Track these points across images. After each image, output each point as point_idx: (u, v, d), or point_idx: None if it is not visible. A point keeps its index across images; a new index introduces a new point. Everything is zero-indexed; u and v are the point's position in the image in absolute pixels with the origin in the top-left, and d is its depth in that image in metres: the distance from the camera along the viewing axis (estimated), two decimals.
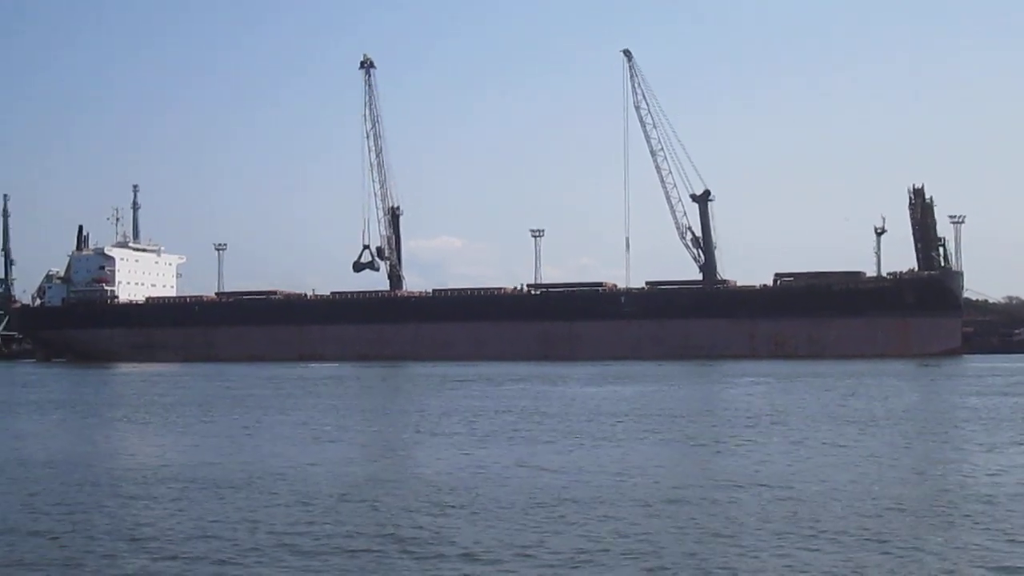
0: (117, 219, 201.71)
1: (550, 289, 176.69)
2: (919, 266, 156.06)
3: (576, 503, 28.12)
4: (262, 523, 26.11)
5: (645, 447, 41.34)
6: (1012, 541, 23.11)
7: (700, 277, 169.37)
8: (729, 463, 36.29)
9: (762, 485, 30.71)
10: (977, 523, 25.14)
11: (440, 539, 23.94)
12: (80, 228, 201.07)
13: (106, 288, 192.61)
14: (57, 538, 24.73)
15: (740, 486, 30.69)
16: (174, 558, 22.55)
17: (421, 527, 25.28)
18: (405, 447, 43.67)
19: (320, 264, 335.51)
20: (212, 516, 27.27)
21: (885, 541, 23.07)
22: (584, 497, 28.99)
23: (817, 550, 22.34)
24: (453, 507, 27.96)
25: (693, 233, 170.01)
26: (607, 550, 22.62)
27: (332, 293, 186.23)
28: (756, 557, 21.86)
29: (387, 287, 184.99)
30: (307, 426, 52.19)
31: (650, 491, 30.01)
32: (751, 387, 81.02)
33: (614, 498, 28.88)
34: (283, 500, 29.46)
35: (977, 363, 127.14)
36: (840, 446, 40.52)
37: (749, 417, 53.30)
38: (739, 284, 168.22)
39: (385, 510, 27.75)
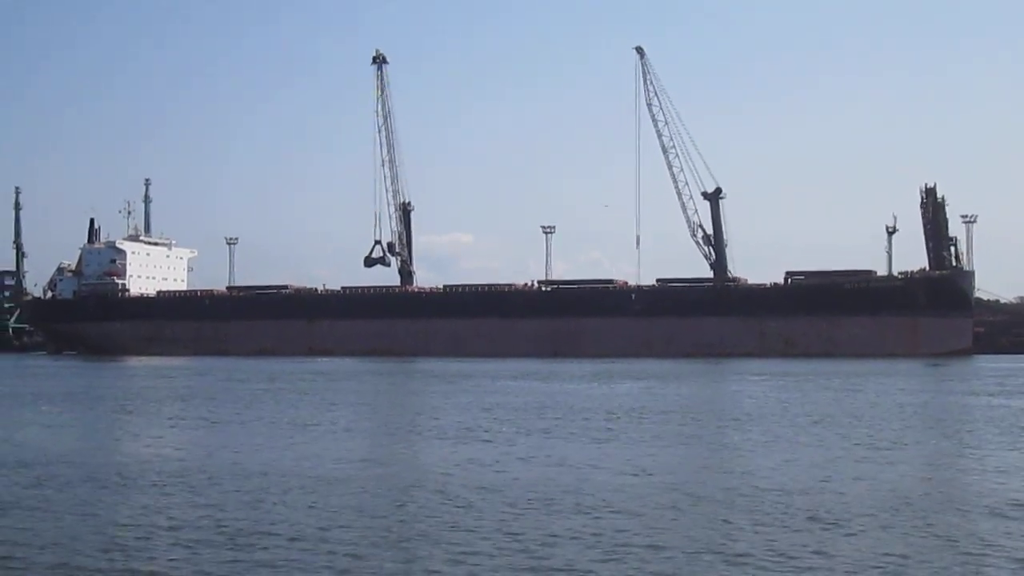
0: (129, 212, 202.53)
1: (561, 286, 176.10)
2: (930, 265, 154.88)
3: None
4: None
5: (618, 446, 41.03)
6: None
7: (711, 275, 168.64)
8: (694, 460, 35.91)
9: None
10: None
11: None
12: (92, 221, 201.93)
13: (117, 281, 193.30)
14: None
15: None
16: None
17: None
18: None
19: (331, 259, 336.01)
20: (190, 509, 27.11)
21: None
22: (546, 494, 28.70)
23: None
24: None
25: (704, 231, 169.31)
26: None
27: (343, 288, 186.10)
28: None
29: (398, 282, 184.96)
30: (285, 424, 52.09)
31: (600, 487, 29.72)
32: (751, 385, 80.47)
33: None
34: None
35: (987, 363, 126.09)
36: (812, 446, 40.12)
37: (733, 418, 52.92)
38: (750, 282, 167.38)
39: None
